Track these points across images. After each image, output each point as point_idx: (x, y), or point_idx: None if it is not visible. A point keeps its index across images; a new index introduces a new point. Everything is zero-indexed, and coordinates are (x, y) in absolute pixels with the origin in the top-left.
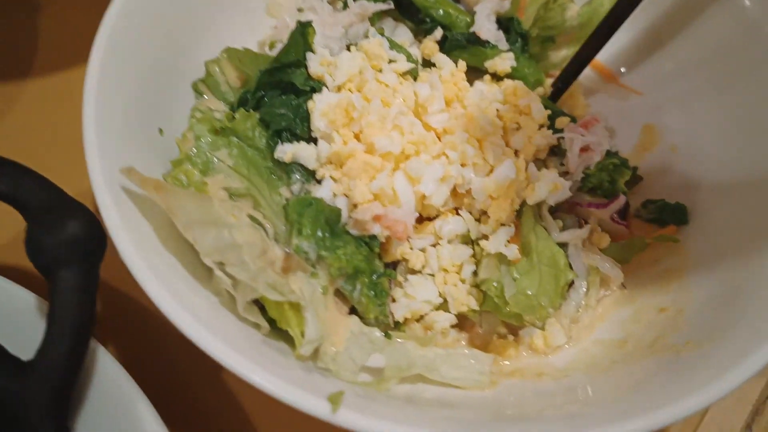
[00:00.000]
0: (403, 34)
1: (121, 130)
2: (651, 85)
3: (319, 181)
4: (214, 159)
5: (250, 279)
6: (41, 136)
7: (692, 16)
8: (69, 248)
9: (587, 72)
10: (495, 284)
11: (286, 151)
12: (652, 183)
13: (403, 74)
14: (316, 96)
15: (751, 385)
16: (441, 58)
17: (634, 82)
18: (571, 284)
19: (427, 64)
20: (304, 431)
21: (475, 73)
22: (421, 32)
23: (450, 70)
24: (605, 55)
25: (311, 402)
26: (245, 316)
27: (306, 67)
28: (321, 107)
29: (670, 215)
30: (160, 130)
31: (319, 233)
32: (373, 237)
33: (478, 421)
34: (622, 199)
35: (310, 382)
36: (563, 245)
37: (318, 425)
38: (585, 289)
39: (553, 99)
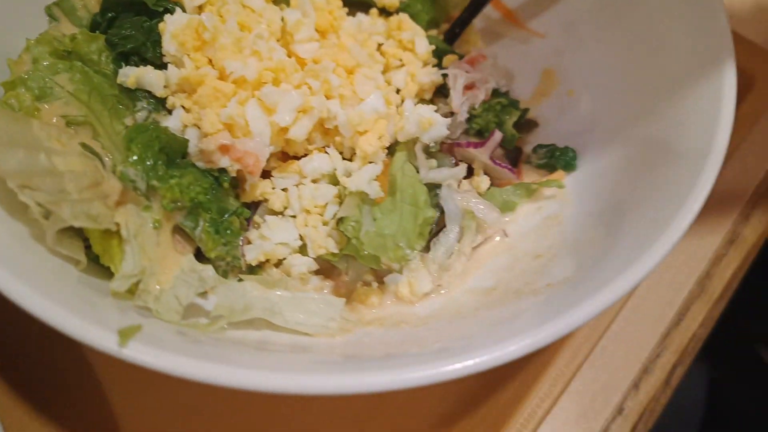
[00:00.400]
0: None
1: None
2: (552, 28)
3: (170, 111)
4: (54, 84)
5: (53, 205)
6: None
7: None
8: None
9: (491, 13)
10: (353, 224)
11: (129, 74)
12: (549, 128)
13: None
14: (167, 17)
15: (640, 344)
16: (407, 20)
17: (537, 25)
18: (442, 228)
19: None
20: None
21: (364, 7)
22: None
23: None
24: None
25: (94, 333)
26: (56, 248)
27: None
28: (171, 29)
29: (560, 160)
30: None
31: (150, 161)
32: (223, 171)
33: (305, 363)
34: (498, 135)
35: (107, 317)
36: (436, 186)
37: None
38: (457, 234)
39: (449, 42)
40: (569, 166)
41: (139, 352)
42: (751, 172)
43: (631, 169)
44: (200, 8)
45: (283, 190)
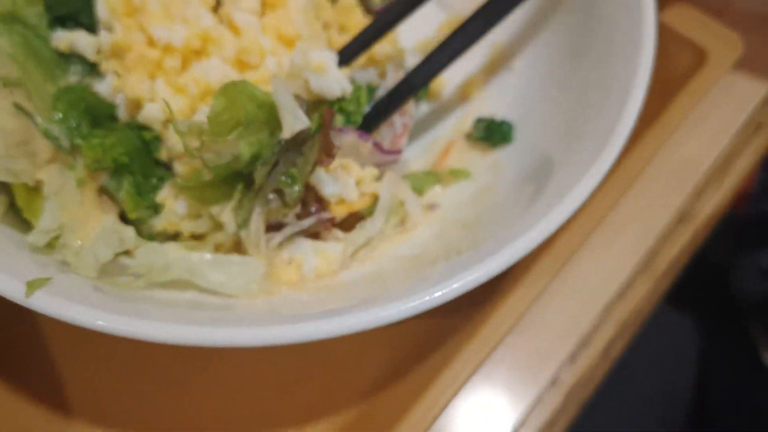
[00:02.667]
0: None
1: None
2: None
3: (103, 77)
4: None
5: None
6: None
7: None
8: None
9: None
10: None
11: (62, 39)
12: (491, 101)
13: None
14: None
15: (580, 315)
16: None
17: None
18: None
19: None
20: None
21: None
22: None
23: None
24: None
25: (2, 281)
26: None
27: None
28: None
29: (496, 134)
30: None
31: (74, 121)
32: (156, 137)
33: (218, 317)
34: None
35: (24, 268)
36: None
37: None
38: (382, 223)
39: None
40: (505, 138)
41: (45, 302)
42: (705, 149)
43: (560, 128)
44: None
45: None
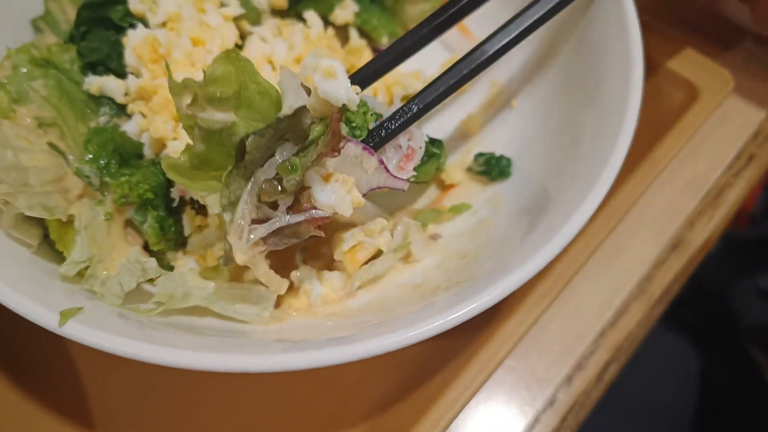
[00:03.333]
0: None
1: None
2: None
3: (130, 117)
4: (30, 88)
5: (11, 197)
6: None
7: None
8: None
9: None
10: None
11: (93, 83)
12: (490, 137)
13: (237, 18)
14: (129, 32)
15: (576, 340)
16: (312, 18)
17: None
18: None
19: (276, 13)
20: None
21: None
22: None
23: (318, 32)
24: None
25: (38, 312)
26: (10, 232)
27: (127, 3)
28: (132, 43)
29: (495, 168)
30: None
31: (103, 160)
32: None
33: (236, 344)
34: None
35: (56, 298)
36: None
37: None
38: (390, 263)
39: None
40: (503, 173)
41: (77, 331)
42: (698, 180)
43: (555, 165)
44: (164, 24)
45: None
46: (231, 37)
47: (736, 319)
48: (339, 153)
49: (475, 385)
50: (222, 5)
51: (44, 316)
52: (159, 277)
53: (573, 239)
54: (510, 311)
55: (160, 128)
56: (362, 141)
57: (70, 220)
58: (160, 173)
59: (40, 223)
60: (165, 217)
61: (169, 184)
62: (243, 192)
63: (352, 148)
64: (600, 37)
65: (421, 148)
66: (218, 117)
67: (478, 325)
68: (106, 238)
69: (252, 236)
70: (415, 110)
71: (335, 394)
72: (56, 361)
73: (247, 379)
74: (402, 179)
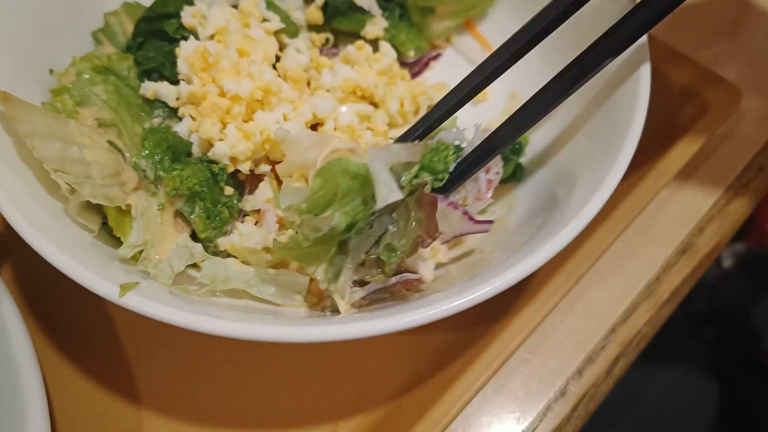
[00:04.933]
0: None
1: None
2: None
3: (181, 119)
4: (91, 93)
5: (78, 185)
6: None
7: None
8: None
9: (469, 43)
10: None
11: (148, 88)
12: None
13: (277, 32)
14: (182, 43)
15: (588, 336)
16: (386, 48)
17: None
18: None
19: (312, 28)
20: None
21: (351, 36)
22: None
23: (389, 63)
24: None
25: (100, 284)
26: (75, 218)
27: (180, 17)
28: (184, 53)
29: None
30: (51, 71)
31: (158, 156)
32: (222, 169)
33: (270, 318)
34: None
35: (115, 275)
36: None
37: None
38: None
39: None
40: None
41: (134, 301)
42: (708, 190)
43: (564, 172)
44: (212, 36)
45: None
46: (272, 48)
47: (756, 337)
48: (434, 240)
49: (491, 371)
50: (264, 20)
51: (107, 288)
52: (204, 261)
53: (584, 237)
54: (523, 305)
55: (208, 130)
56: (445, 183)
57: (128, 209)
58: (207, 170)
59: (100, 212)
60: (211, 208)
61: (215, 178)
62: (344, 264)
63: (438, 206)
64: None
65: (498, 173)
66: (322, 226)
67: (492, 317)
68: (158, 226)
69: (353, 297)
70: (497, 142)
71: (359, 379)
72: (108, 342)
73: (279, 363)
74: (486, 222)
